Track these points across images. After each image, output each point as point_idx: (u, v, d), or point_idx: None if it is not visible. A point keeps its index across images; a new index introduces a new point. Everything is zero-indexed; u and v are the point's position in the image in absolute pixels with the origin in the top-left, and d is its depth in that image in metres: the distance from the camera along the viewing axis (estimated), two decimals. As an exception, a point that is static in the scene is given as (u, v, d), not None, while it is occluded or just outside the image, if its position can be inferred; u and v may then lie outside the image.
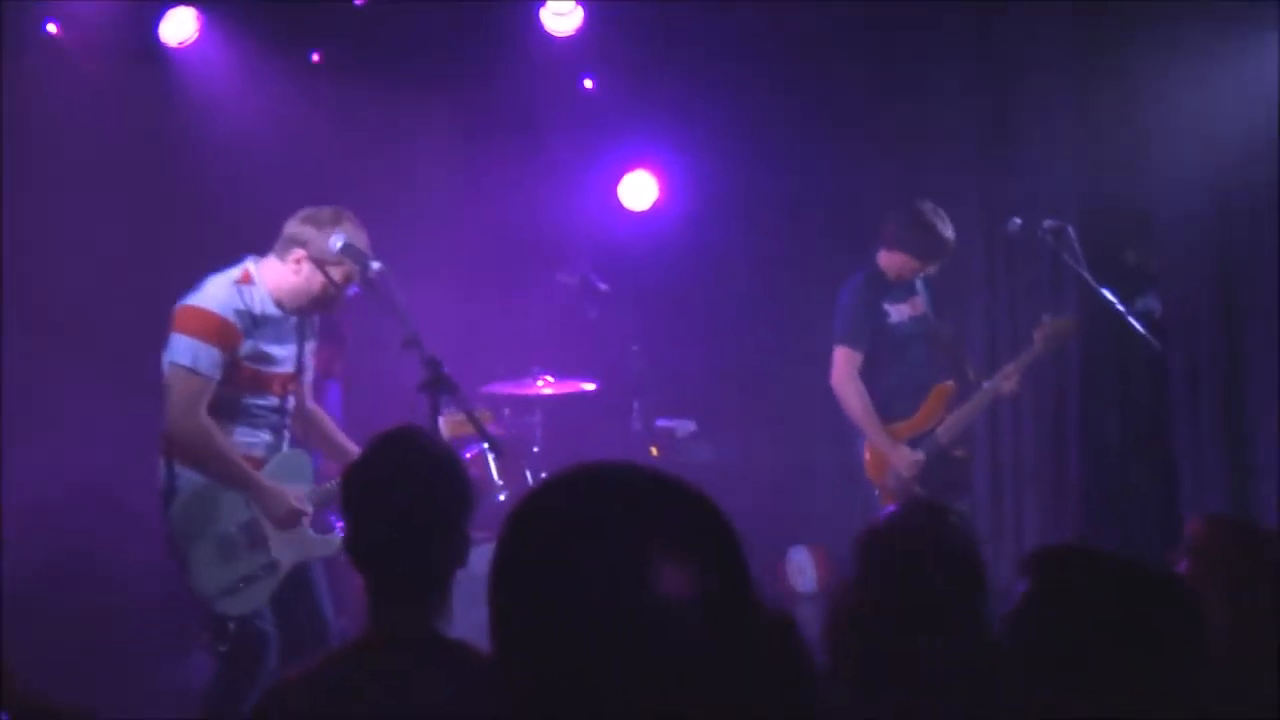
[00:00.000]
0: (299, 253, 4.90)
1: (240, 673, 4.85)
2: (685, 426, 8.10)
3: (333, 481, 5.01)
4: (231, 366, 4.82)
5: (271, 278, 4.94)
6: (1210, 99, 7.06)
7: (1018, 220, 6.35)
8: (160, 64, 7.49)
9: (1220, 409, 7.23)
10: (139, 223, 7.13)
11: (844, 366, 6.31)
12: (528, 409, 7.21)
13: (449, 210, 8.21)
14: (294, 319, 5.03)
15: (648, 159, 8.68)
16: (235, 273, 4.92)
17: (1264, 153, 6.89)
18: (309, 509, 4.98)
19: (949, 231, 6.32)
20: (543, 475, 7.07)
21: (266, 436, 5.00)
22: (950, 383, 6.45)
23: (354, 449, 5.12)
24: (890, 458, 6.26)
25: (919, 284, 6.50)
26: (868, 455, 6.36)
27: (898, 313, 6.41)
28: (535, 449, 7.12)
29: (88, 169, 7.01)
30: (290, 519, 4.91)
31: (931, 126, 8.04)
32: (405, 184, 7.82)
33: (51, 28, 7.20)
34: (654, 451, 7.87)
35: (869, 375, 6.32)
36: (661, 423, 8.03)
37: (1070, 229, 6.24)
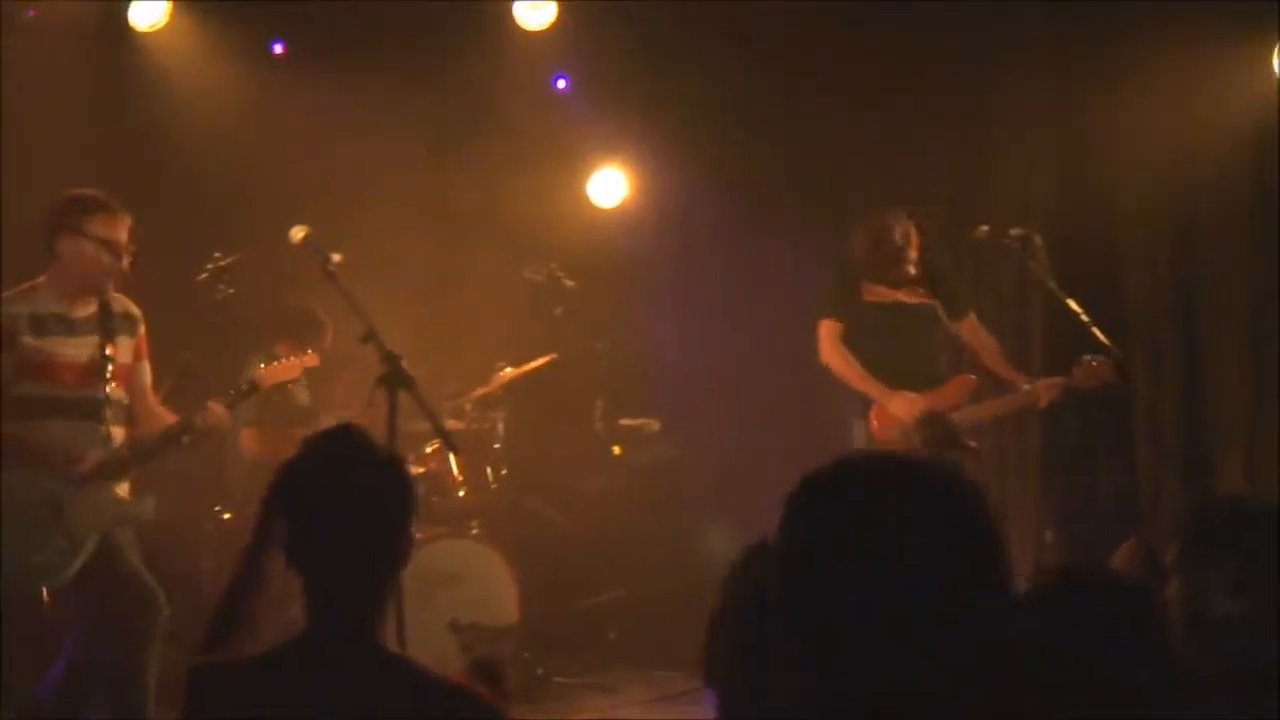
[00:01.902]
0: (60, 240, 5.09)
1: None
2: (649, 426, 8.07)
3: (126, 447, 5.17)
4: (19, 362, 5.00)
5: (53, 278, 5.13)
6: (1186, 107, 7.11)
7: (985, 227, 6.38)
8: (129, 48, 7.43)
9: (1181, 419, 7.26)
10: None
11: (826, 337, 6.36)
12: (490, 404, 7.17)
13: (415, 203, 8.16)
14: (90, 310, 5.16)
15: (618, 155, 8.64)
16: (25, 284, 5.15)
17: (1236, 163, 6.94)
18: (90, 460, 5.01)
19: (899, 236, 6.38)
20: (504, 472, 7.03)
21: (63, 424, 5.08)
22: (972, 376, 6.45)
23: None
24: (889, 405, 6.20)
25: (928, 280, 6.47)
26: (873, 420, 6.27)
27: (881, 294, 6.40)
28: (496, 445, 7.09)
29: (55, 148, 6.93)
30: (81, 469, 4.98)
31: (905, 129, 8.04)
32: (371, 176, 7.77)
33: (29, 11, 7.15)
34: (617, 450, 7.85)
35: (857, 350, 6.32)
36: (625, 421, 8.00)
37: (1037, 238, 6.27)
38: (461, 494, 6.82)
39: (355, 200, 7.41)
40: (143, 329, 5.35)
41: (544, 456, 7.62)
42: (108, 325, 5.19)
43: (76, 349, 5.11)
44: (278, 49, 7.95)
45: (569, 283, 7.46)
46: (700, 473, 8.07)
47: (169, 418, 5.37)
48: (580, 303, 7.54)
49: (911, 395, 6.20)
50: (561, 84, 8.60)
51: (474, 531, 6.73)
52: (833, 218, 7.69)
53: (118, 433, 5.17)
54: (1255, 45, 7.00)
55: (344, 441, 2.73)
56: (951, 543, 1.54)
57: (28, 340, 5.02)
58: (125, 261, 5.13)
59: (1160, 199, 7.28)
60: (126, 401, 5.24)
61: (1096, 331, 6.16)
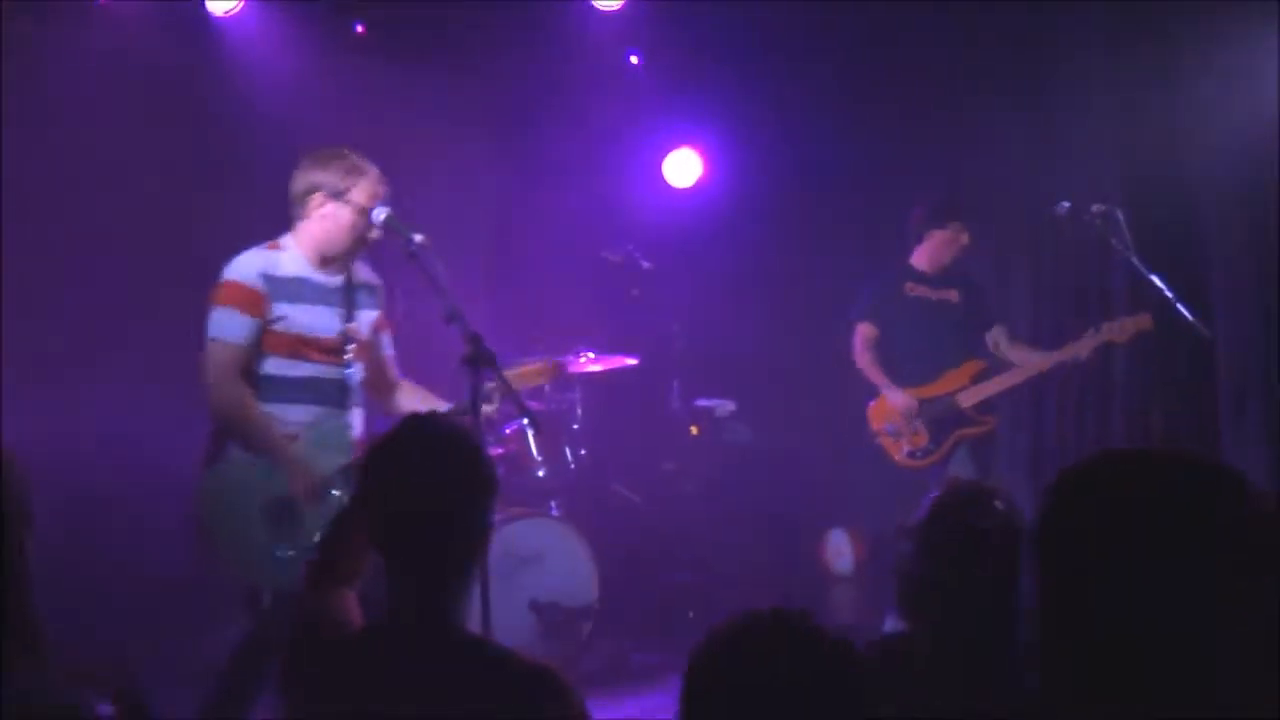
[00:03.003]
0: (318, 198, 4.78)
1: (272, 646, 4.60)
2: (724, 407, 8.06)
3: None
4: (264, 332, 4.69)
5: (302, 239, 4.81)
6: (1251, 81, 6.98)
7: (1066, 204, 6.31)
8: (205, 32, 7.47)
9: (1268, 404, 7.13)
10: (176, 182, 7.09)
11: (857, 341, 6.76)
12: (567, 385, 7.18)
13: (492, 184, 8.19)
14: (338, 280, 4.86)
15: (693, 137, 8.63)
16: (267, 243, 4.81)
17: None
18: (319, 489, 4.68)
19: (962, 197, 6.86)
20: (582, 452, 7.04)
21: (309, 410, 4.76)
22: (982, 361, 6.68)
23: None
24: (886, 396, 6.61)
25: (963, 286, 6.75)
26: (871, 404, 6.71)
27: (920, 291, 6.73)
28: (575, 425, 7.09)
29: (128, 133, 6.98)
30: (309, 496, 4.66)
31: (975, 109, 7.97)
32: (449, 157, 7.79)
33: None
34: (694, 430, 7.85)
35: (888, 346, 6.72)
36: (701, 402, 7.99)
37: (1119, 213, 6.17)
38: (541, 474, 6.84)
39: (431, 180, 7.43)
40: (383, 299, 5.08)
41: (622, 436, 7.63)
42: (352, 297, 4.87)
43: (328, 321, 4.80)
44: (359, 28, 7.96)
45: (645, 264, 7.46)
46: (774, 452, 8.05)
47: (424, 394, 5.12)
48: (656, 283, 7.54)
49: (906, 396, 6.58)
50: (634, 59, 8.57)
51: (553, 511, 6.74)
52: (905, 199, 7.64)
53: (358, 418, 4.86)
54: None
55: (424, 429, 2.74)
56: (1212, 545, 1.50)
57: (280, 307, 4.70)
58: (375, 232, 4.81)
59: (1235, 170, 7.14)
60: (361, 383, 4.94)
61: (1181, 308, 6.06)
